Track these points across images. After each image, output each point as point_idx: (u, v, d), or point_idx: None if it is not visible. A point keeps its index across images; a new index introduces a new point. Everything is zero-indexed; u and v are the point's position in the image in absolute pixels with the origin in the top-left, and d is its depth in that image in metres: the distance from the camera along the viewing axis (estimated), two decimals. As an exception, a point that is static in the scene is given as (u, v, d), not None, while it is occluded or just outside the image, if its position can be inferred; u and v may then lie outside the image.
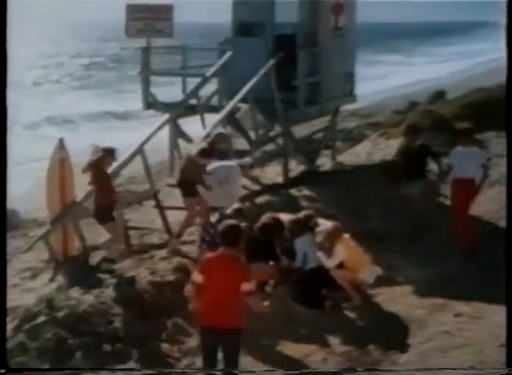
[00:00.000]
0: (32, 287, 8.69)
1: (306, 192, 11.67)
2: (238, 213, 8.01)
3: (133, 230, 10.22)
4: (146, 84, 12.95)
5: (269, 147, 13.51)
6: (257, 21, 13.29)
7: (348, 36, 13.72)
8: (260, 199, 11.19)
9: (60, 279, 8.65)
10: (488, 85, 17.61)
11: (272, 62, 11.91)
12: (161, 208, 10.26)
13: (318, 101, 13.09)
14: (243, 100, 11.52)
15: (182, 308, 7.48)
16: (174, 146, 11.96)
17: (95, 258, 9.21)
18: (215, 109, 11.90)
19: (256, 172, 12.58)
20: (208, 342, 5.93)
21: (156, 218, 10.39)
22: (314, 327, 7.67)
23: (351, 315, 8.09)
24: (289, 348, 7.28)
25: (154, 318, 7.58)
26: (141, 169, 10.78)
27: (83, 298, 7.57)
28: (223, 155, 9.76)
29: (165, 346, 7.22)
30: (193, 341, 7.26)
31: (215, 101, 12.42)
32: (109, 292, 7.85)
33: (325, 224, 8.56)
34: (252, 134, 12.02)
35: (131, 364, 6.78)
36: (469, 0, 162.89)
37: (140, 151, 10.04)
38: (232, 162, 9.69)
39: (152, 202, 10.55)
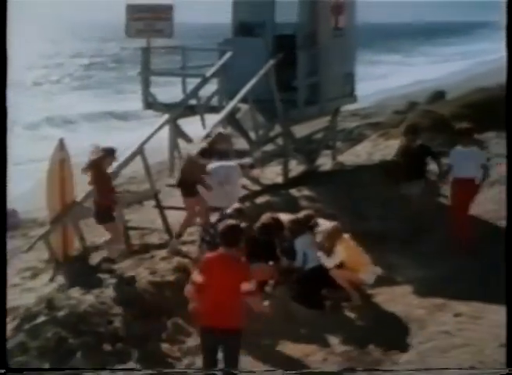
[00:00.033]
0: (32, 286, 8.70)
1: (306, 192, 11.67)
2: (238, 213, 8.02)
3: (134, 230, 10.23)
4: (146, 84, 12.95)
5: (269, 147, 13.50)
6: (257, 21, 13.29)
7: (348, 36, 13.71)
8: (260, 199, 11.19)
9: (60, 279, 8.66)
10: (488, 85, 17.60)
11: (271, 62, 11.91)
12: (161, 208, 10.26)
13: (318, 101, 13.09)
14: (243, 100, 11.52)
15: (182, 308, 7.48)
16: (174, 146, 11.95)
17: (95, 258, 9.22)
18: (215, 110, 11.90)
19: (256, 172, 12.59)
20: (207, 342, 5.94)
21: (156, 218, 10.39)
22: (314, 327, 7.67)
23: (351, 315, 8.09)
24: (289, 348, 7.27)
25: (154, 318, 7.58)
26: (141, 169, 10.79)
27: (84, 298, 7.57)
28: (223, 155, 9.76)
29: (165, 346, 7.22)
30: (192, 341, 7.26)
31: (215, 101, 12.41)
32: (109, 292, 7.86)
33: (325, 224, 8.56)
34: (252, 134, 12.02)
35: (131, 364, 6.79)
36: (469, 0, 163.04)
37: (140, 151, 10.03)
38: (233, 163, 9.69)
39: (152, 202, 10.55)
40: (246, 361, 6.62)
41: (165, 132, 11.57)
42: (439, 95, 24.23)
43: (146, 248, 9.58)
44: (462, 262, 9.16)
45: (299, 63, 12.35)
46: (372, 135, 16.92)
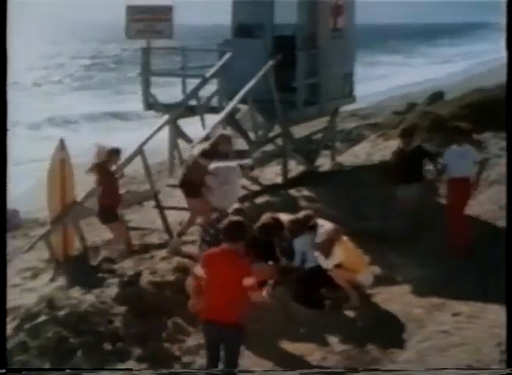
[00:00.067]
0: (33, 286, 8.73)
1: (305, 192, 11.70)
2: (238, 213, 8.04)
3: (134, 230, 10.26)
4: (146, 85, 12.98)
5: (269, 147, 13.53)
6: (256, 22, 13.31)
7: (347, 37, 13.73)
8: (259, 199, 11.22)
9: (61, 278, 8.69)
10: (488, 86, 17.63)
11: (271, 63, 11.94)
12: (161, 208, 10.29)
13: (317, 101, 13.11)
14: (243, 101, 11.55)
15: (182, 308, 7.51)
16: (174, 147, 11.99)
17: (96, 258, 9.25)
18: (214, 110, 11.94)
19: (255, 172, 12.60)
20: (210, 337, 5.99)
21: (156, 218, 10.43)
22: (313, 327, 7.70)
23: (350, 314, 8.12)
24: (289, 347, 7.31)
25: (155, 317, 7.61)
26: (141, 170, 10.82)
27: (84, 298, 7.61)
28: (224, 156, 9.77)
29: (165, 345, 7.25)
30: (192, 341, 7.30)
31: (214, 101, 12.45)
32: (110, 292, 7.89)
33: (324, 225, 8.57)
34: (252, 135, 12.05)
35: (131, 363, 6.82)
36: (469, 1, 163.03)
37: (140, 151, 10.07)
38: (232, 163, 9.71)
39: (152, 203, 10.58)
40: (246, 361, 6.65)
41: (165, 132, 11.61)
42: (437, 96, 24.23)
43: (146, 248, 9.61)
44: (460, 262, 9.19)
45: (298, 64, 12.38)
46: (371, 136, 16.92)
